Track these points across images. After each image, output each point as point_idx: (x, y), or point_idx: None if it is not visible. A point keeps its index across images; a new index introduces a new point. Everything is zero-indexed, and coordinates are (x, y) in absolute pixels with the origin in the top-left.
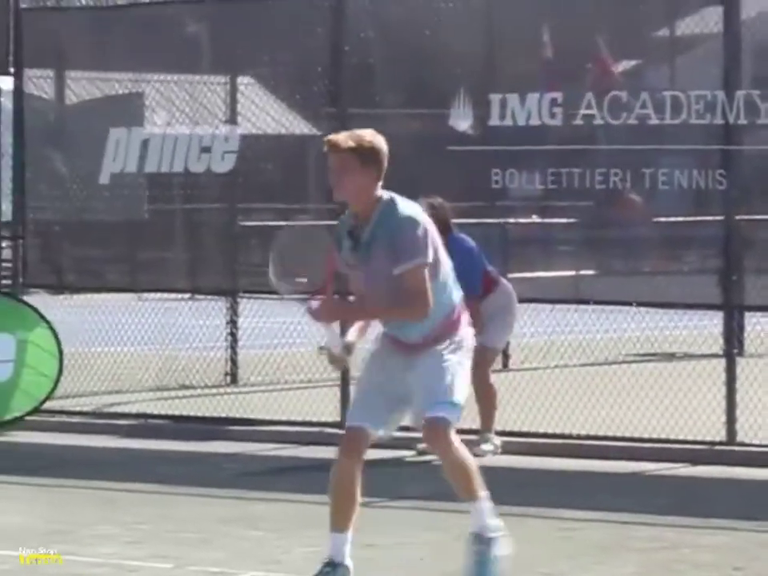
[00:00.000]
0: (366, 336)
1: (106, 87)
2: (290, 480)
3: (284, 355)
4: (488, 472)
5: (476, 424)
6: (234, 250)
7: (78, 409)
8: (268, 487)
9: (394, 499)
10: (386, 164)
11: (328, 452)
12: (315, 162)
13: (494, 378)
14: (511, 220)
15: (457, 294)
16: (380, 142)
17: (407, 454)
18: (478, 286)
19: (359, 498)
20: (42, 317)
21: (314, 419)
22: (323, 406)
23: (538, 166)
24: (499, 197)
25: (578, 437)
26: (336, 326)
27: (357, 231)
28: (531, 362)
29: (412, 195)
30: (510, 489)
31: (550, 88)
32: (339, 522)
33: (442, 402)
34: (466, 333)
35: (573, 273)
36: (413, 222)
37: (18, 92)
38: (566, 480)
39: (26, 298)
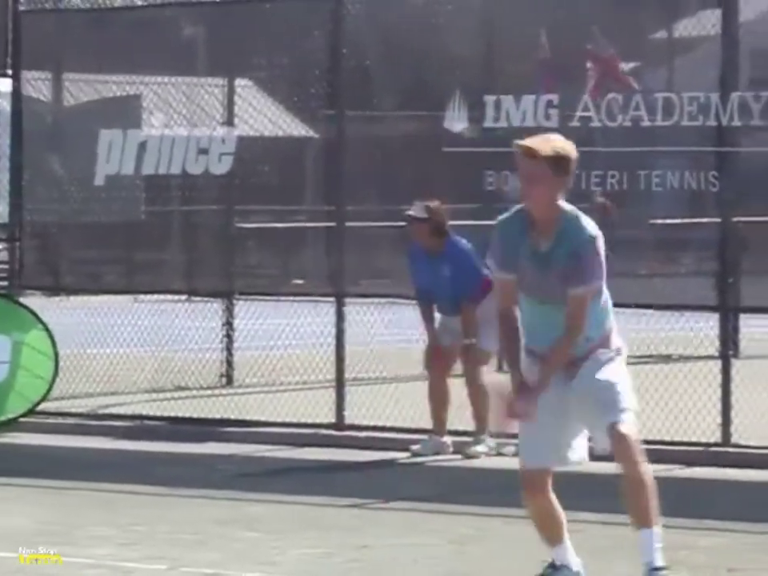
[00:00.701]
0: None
1: (103, 89)
2: (286, 481)
3: (279, 357)
4: (483, 474)
5: (470, 425)
6: (230, 251)
7: (73, 410)
8: (264, 489)
9: (388, 501)
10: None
11: (323, 453)
12: (312, 164)
13: (487, 380)
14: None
15: (612, 316)
16: (573, 150)
17: (401, 455)
18: (475, 290)
19: (560, 512)
20: (38, 319)
21: (310, 421)
22: (318, 408)
23: None
24: (494, 199)
25: None
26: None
27: (534, 238)
28: None
29: (409, 197)
30: (505, 490)
31: (546, 90)
32: (553, 540)
33: (622, 410)
34: (619, 342)
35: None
36: (596, 245)
37: (16, 94)
38: (561, 481)
39: (22, 299)
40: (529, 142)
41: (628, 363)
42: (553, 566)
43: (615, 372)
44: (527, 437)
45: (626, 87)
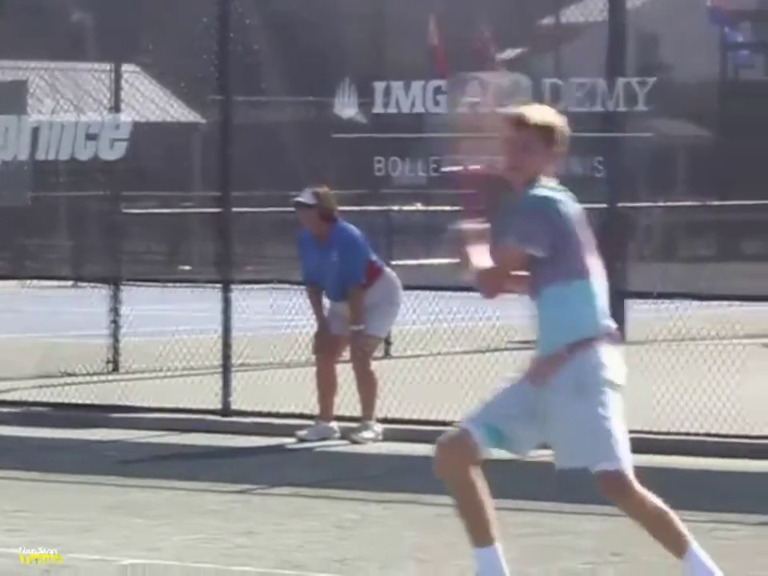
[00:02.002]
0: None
1: None
2: (172, 467)
3: (166, 343)
4: (368, 459)
5: (357, 411)
6: (117, 237)
7: None
8: (149, 474)
9: (273, 486)
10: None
11: (210, 439)
12: (200, 149)
13: (375, 366)
14: (395, 208)
15: (605, 320)
16: (561, 121)
17: (288, 441)
18: (361, 275)
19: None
20: None
21: (196, 407)
22: (205, 394)
23: (421, 154)
24: (383, 185)
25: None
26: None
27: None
28: (413, 350)
29: (298, 183)
30: (390, 475)
31: (441, 75)
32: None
33: (601, 451)
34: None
35: (456, 260)
36: (536, 204)
37: None
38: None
39: None
40: (517, 110)
41: (514, 348)
42: None
43: (593, 411)
44: (488, 402)
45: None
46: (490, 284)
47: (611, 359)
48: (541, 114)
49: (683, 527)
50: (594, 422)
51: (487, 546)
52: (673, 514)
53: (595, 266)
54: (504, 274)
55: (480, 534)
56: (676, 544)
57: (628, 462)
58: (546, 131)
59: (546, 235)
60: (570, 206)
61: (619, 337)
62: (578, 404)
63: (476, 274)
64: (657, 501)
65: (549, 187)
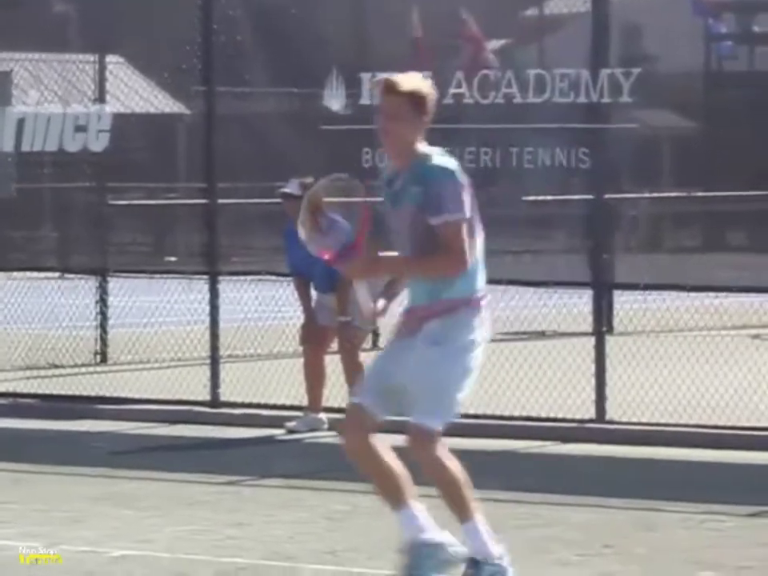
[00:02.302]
0: (393, 306)
1: None
2: (161, 459)
3: (154, 334)
4: None
5: (345, 402)
6: (103, 228)
7: None
8: (138, 466)
9: (263, 478)
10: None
11: (199, 431)
12: (185, 140)
13: (362, 357)
14: (381, 199)
15: (482, 280)
16: (430, 89)
17: (277, 432)
18: None
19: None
20: None
21: (185, 398)
22: (193, 385)
23: None
24: (370, 176)
25: None
26: (365, 286)
27: (394, 181)
28: None
29: (283, 174)
30: None
31: (420, 67)
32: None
33: (428, 405)
34: (479, 329)
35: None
36: (451, 175)
37: None
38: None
39: None
40: (391, 77)
41: (501, 340)
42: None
43: (449, 370)
44: (370, 371)
45: (489, 67)
46: (459, 264)
47: (480, 322)
48: (410, 81)
49: (473, 498)
50: (438, 379)
51: (404, 509)
52: (467, 484)
53: (480, 231)
54: (465, 248)
55: (396, 499)
56: (462, 510)
57: (443, 424)
58: (415, 98)
59: (467, 199)
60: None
61: (486, 304)
62: (432, 356)
63: (438, 263)
64: (457, 468)
65: (440, 155)
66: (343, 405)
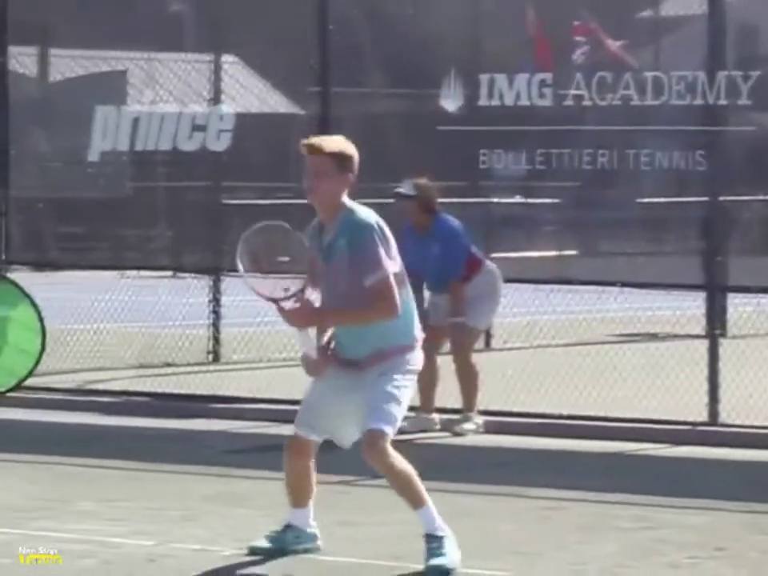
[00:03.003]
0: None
1: (89, 65)
2: (273, 458)
3: (267, 333)
4: (470, 451)
5: (458, 403)
6: (217, 228)
7: (60, 386)
8: (251, 465)
9: (375, 478)
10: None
11: None
12: (299, 141)
13: (475, 358)
14: (495, 200)
15: (416, 327)
16: (354, 150)
17: None
18: (460, 269)
19: (313, 480)
20: (25, 293)
21: (297, 397)
22: (305, 385)
23: (524, 147)
24: (484, 177)
25: (560, 416)
26: (311, 332)
27: (323, 234)
28: (513, 342)
29: (399, 175)
30: (492, 468)
31: (538, 68)
32: (297, 502)
33: (381, 415)
34: (414, 356)
35: (556, 253)
36: (372, 233)
37: (2, 69)
38: (548, 459)
39: (8, 274)
40: (313, 139)
41: (614, 342)
42: (287, 526)
43: (396, 385)
44: (307, 404)
45: (617, 60)
46: (393, 311)
47: (416, 362)
48: (334, 142)
49: (422, 488)
50: (386, 394)
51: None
52: (415, 478)
53: (406, 278)
54: (396, 297)
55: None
56: (414, 499)
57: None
58: (338, 158)
59: (391, 251)
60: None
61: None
62: (379, 381)
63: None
64: (405, 465)
65: (362, 209)
66: (456, 405)
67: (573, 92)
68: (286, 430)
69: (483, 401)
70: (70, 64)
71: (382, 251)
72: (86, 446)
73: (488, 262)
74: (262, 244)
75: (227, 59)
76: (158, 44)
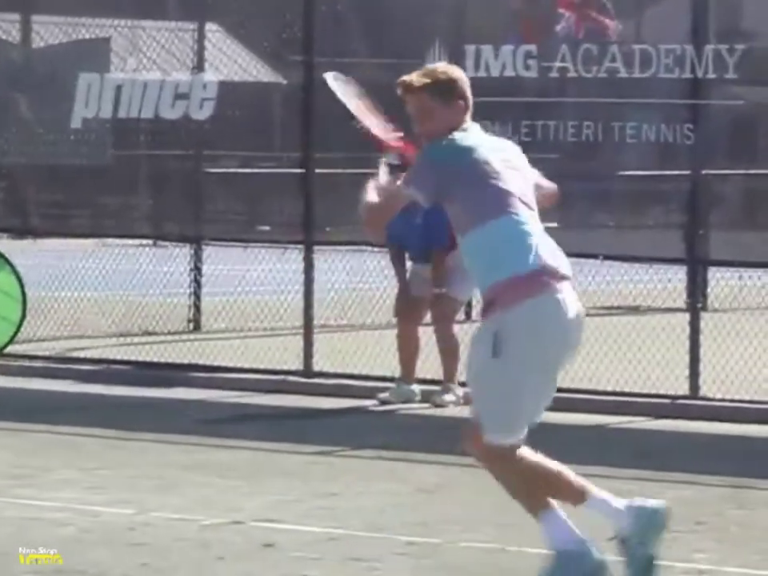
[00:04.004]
0: None
1: (72, 32)
2: (253, 428)
3: (247, 302)
4: (451, 422)
5: (438, 374)
6: (198, 196)
7: (39, 353)
8: (230, 435)
9: (355, 449)
10: (469, 92)
11: (291, 400)
12: (282, 110)
13: (456, 329)
14: None
15: (533, 258)
16: (455, 70)
17: (370, 403)
18: (445, 238)
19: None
20: (6, 261)
21: (278, 367)
22: (286, 355)
23: (510, 118)
24: None
25: None
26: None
27: None
28: None
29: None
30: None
31: (524, 40)
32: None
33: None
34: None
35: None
36: (422, 152)
37: None
38: (528, 432)
39: None
40: (405, 77)
41: (595, 314)
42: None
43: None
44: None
45: (604, 28)
46: (374, 221)
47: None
48: (428, 72)
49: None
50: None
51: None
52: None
53: (516, 204)
54: (384, 212)
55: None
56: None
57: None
58: (436, 88)
59: (429, 181)
60: (479, 146)
61: (559, 274)
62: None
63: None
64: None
65: (456, 135)
66: (436, 377)
67: (557, 64)
68: (267, 399)
69: (463, 372)
70: (53, 30)
71: (419, 172)
72: (66, 414)
73: None
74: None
75: (211, 27)
76: (142, 12)
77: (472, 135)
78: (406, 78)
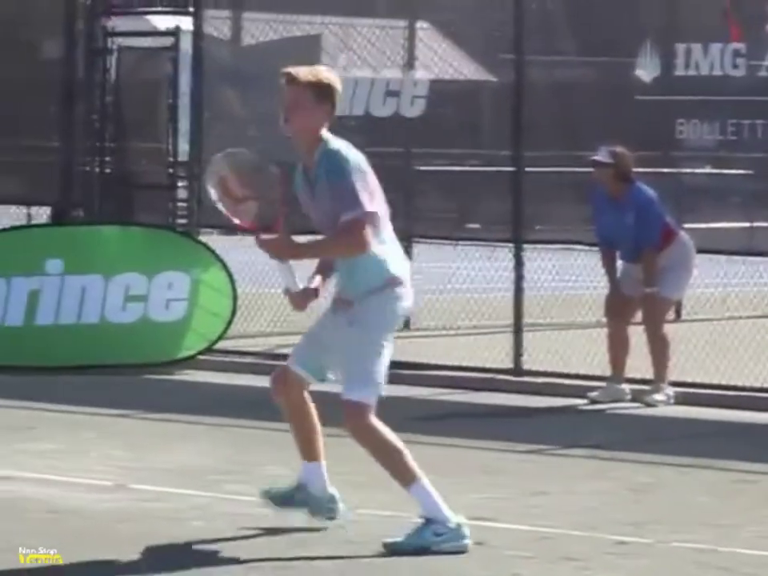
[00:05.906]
0: (326, 285)
1: (282, 29)
2: (463, 425)
3: (457, 300)
4: (661, 422)
5: (648, 374)
6: (409, 194)
7: (249, 349)
8: (440, 432)
9: (565, 447)
10: (337, 104)
11: (500, 398)
12: (492, 108)
13: (667, 328)
14: (687, 170)
15: (400, 264)
16: (336, 79)
17: (580, 402)
18: (656, 238)
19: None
20: (217, 257)
21: (487, 365)
22: (495, 353)
23: (718, 117)
24: (682, 148)
25: (752, 389)
26: (290, 267)
27: (308, 170)
28: (705, 314)
29: (590, 144)
30: (683, 440)
31: (734, 38)
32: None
33: (359, 382)
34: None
35: (747, 224)
36: (346, 167)
37: (197, 32)
38: (739, 431)
39: (201, 237)
40: (292, 69)
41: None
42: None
43: (373, 345)
44: (301, 341)
45: None
46: (359, 241)
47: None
48: (312, 71)
49: (413, 463)
50: (359, 356)
51: (314, 462)
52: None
53: (385, 215)
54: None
55: (307, 451)
56: (403, 476)
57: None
58: (315, 88)
59: (367, 186)
60: (361, 156)
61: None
62: (351, 336)
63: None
64: (391, 436)
65: (338, 140)
66: (647, 376)
67: (766, 63)
68: (476, 397)
69: (674, 372)
70: (264, 28)
71: (358, 184)
72: (275, 410)
73: (682, 233)
74: (232, 172)
75: (421, 25)
76: (352, 9)
77: (343, 145)
78: (292, 69)
